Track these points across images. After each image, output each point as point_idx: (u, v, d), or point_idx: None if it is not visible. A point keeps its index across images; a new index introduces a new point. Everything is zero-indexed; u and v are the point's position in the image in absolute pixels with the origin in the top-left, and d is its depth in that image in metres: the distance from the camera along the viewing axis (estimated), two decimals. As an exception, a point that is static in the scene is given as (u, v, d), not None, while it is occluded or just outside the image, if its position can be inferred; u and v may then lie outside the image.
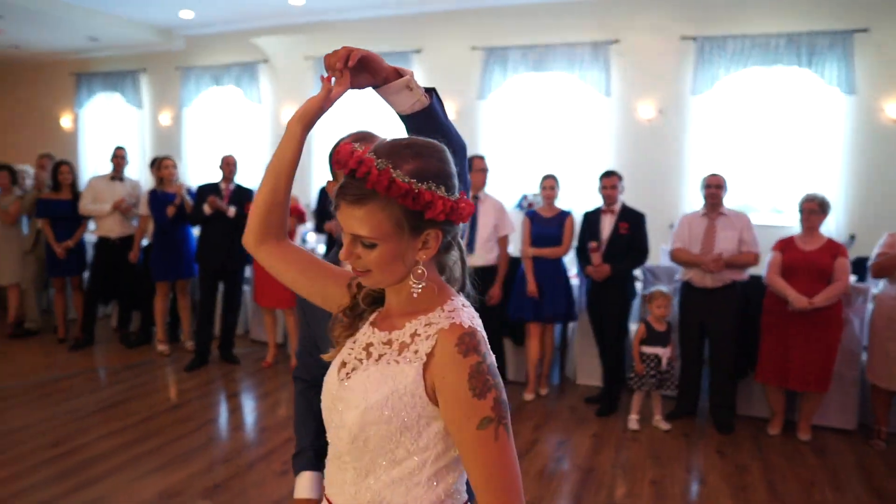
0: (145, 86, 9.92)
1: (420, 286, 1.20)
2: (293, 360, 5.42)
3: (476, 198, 4.73)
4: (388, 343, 1.24)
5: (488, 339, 1.23)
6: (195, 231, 5.63)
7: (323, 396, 1.31)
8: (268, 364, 5.44)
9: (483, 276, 4.53)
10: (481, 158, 4.83)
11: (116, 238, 5.79)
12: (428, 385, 1.18)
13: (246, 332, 6.26)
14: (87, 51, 10.08)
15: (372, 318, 1.33)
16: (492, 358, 1.20)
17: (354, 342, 1.30)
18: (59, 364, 5.37)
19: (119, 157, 6.03)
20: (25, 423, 4.13)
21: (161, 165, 5.59)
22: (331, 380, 1.30)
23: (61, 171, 5.83)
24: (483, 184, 4.82)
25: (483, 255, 4.72)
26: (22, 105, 11.33)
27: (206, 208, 5.23)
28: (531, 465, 3.72)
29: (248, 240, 1.40)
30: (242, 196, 5.39)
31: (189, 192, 5.54)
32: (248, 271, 5.82)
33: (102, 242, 5.82)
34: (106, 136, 10.25)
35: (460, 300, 1.27)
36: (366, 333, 1.30)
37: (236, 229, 5.04)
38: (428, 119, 1.37)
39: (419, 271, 1.21)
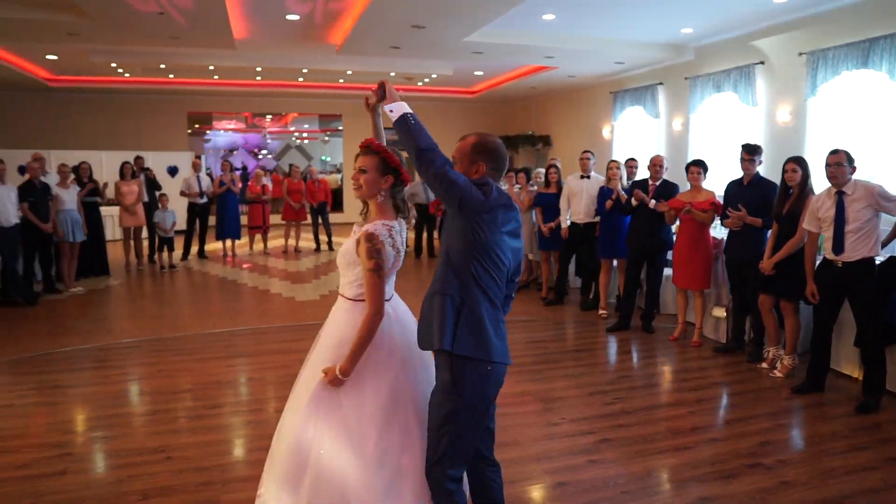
0: (662, 97, 11.28)
1: (380, 198, 2.47)
2: (696, 336, 5.99)
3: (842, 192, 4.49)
4: (357, 230, 2.52)
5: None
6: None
7: None
8: (673, 338, 6.14)
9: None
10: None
11: (582, 223, 7.36)
12: (357, 248, 2.45)
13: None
14: (618, 73, 12.12)
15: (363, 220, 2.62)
16: (380, 246, 2.39)
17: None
18: (535, 311, 7.31)
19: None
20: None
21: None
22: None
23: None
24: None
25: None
26: (575, 121, 14.37)
27: (633, 201, 6.29)
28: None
29: None
30: (667, 190, 6.21)
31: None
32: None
33: (573, 227, 7.48)
34: (631, 142, 12.15)
35: (386, 221, 2.49)
36: (357, 224, 2.60)
37: (653, 217, 6.17)
38: (399, 129, 2.36)
39: (381, 193, 2.49)
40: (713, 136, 10.07)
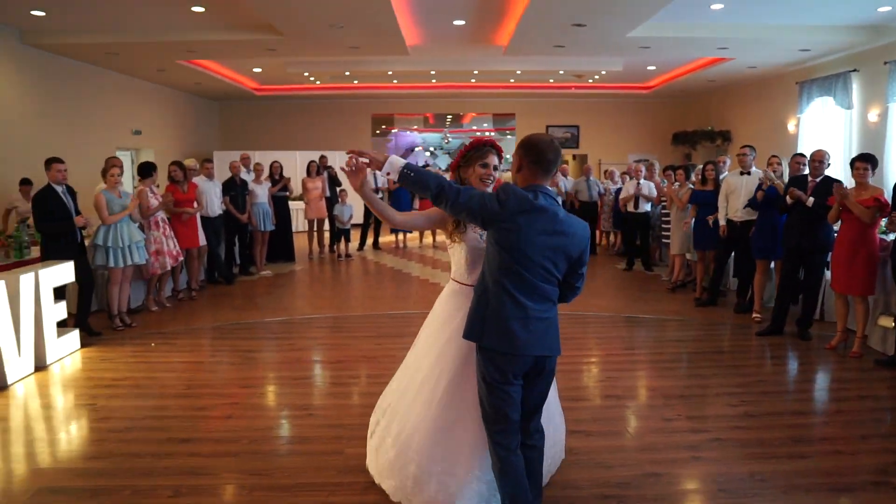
0: (855, 85, 10.21)
1: None
2: (856, 346, 5.50)
3: None
4: None
5: None
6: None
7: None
8: (831, 346, 5.69)
9: None
10: None
11: (738, 221, 7.01)
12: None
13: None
14: (804, 61, 11.14)
15: None
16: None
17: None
18: (686, 311, 7.12)
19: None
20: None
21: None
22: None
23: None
24: None
25: None
26: (757, 114, 13.41)
27: (788, 199, 5.91)
28: None
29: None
30: (828, 188, 5.74)
31: None
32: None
33: (729, 224, 7.15)
34: (819, 136, 11.11)
35: None
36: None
37: (811, 216, 5.77)
38: (405, 184, 2.58)
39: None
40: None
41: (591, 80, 15.12)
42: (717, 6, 8.44)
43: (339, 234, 11.35)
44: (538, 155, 2.53)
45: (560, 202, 9.10)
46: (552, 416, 3.16)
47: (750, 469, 3.50)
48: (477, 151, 2.91)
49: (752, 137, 13.37)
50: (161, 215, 7.19)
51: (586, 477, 3.41)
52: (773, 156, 6.70)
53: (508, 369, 2.54)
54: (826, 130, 10.99)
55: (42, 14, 8.47)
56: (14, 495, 3.30)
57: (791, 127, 12.12)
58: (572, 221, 2.55)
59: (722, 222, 7.13)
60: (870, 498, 3.22)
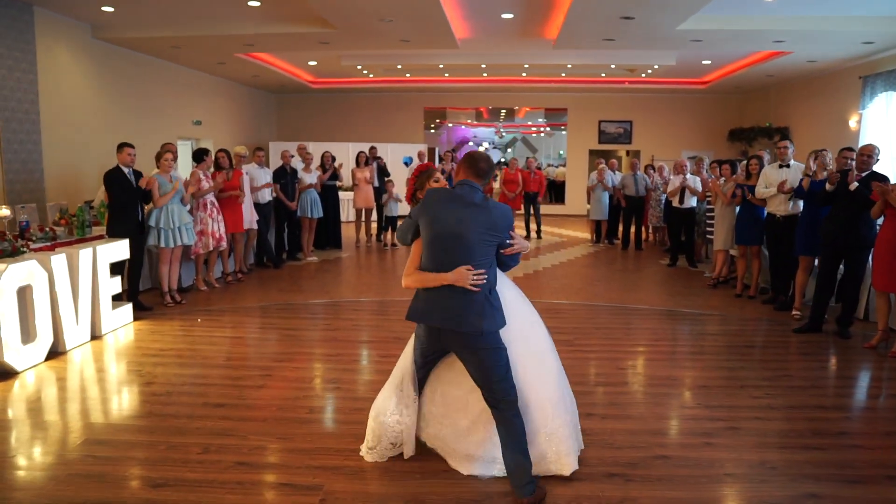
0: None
1: None
2: (896, 348, 5.36)
3: None
4: None
5: None
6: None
7: None
8: (870, 345, 5.54)
9: None
10: None
11: (781, 216, 6.88)
12: None
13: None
14: (869, 54, 10.72)
15: None
16: None
17: None
18: (724, 307, 7.04)
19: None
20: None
21: None
22: None
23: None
24: None
25: None
26: (817, 110, 12.97)
27: (828, 185, 5.79)
28: None
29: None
30: (877, 181, 5.59)
31: None
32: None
33: (770, 217, 7.02)
34: (884, 133, 10.67)
35: None
36: None
37: (853, 209, 5.65)
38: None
39: None
40: None
41: (643, 75, 14.93)
42: (770, -3, 8.25)
43: (387, 223, 11.60)
44: (470, 167, 3.07)
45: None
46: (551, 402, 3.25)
47: (761, 456, 3.51)
48: (425, 174, 3.46)
49: (811, 134, 12.99)
50: (210, 198, 7.55)
51: (594, 455, 3.48)
52: (821, 150, 6.54)
53: (420, 340, 3.26)
54: (891, 126, 10.55)
55: (111, 10, 9.00)
56: (67, 443, 3.64)
57: (852, 123, 11.69)
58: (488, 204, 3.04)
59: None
60: (881, 490, 3.19)
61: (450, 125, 19.54)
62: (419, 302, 3.07)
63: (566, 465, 3.20)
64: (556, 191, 19.09)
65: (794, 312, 6.59)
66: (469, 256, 2.92)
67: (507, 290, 3.24)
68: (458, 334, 2.94)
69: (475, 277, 2.89)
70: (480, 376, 3.00)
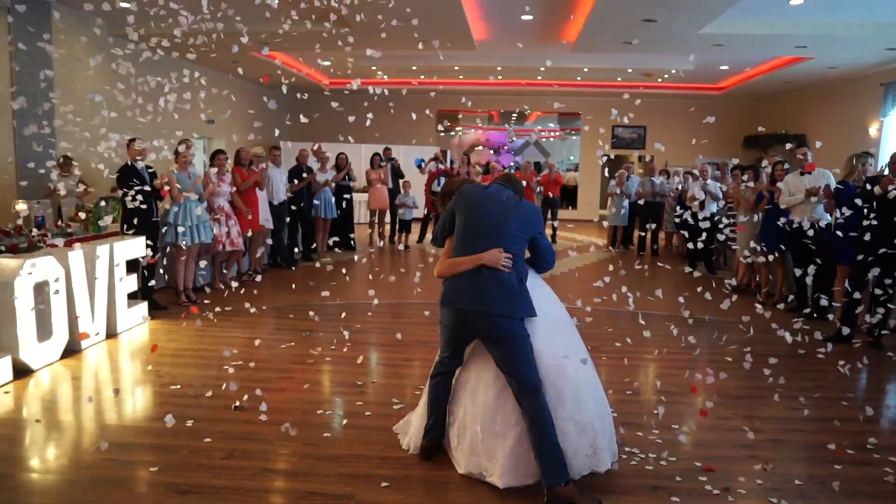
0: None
1: None
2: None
3: None
4: None
5: None
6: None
7: None
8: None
9: None
10: None
11: (804, 223, 6.73)
12: None
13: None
14: (891, 61, 10.57)
15: None
16: None
17: None
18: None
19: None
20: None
21: None
22: None
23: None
24: None
25: None
26: (835, 117, 12.81)
27: (877, 189, 5.67)
28: None
29: None
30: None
31: None
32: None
33: (792, 225, 6.88)
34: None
35: None
36: None
37: (886, 216, 5.54)
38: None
39: None
40: None
41: (660, 80, 14.80)
42: (796, 1, 8.12)
43: (401, 225, 11.48)
44: (510, 179, 3.34)
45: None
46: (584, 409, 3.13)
47: (809, 471, 3.36)
48: (455, 182, 3.60)
49: (828, 141, 12.76)
50: (221, 202, 7.40)
51: (634, 468, 3.34)
52: (866, 153, 6.47)
53: (450, 327, 3.35)
54: (912, 135, 10.42)
55: (128, 6, 8.90)
56: (83, 446, 3.50)
57: (873, 131, 11.54)
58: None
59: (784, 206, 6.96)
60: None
61: (461, 132, 19.44)
62: (450, 288, 3.17)
63: (601, 460, 3.06)
64: (569, 196, 18.93)
65: (833, 320, 6.44)
66: (502, 243, 3.06)
67: (541, 287, 3.35)
68: (489, 317, 3.00)
69: (506, 259, 3.01)
70: (506, 363, 3.02)
